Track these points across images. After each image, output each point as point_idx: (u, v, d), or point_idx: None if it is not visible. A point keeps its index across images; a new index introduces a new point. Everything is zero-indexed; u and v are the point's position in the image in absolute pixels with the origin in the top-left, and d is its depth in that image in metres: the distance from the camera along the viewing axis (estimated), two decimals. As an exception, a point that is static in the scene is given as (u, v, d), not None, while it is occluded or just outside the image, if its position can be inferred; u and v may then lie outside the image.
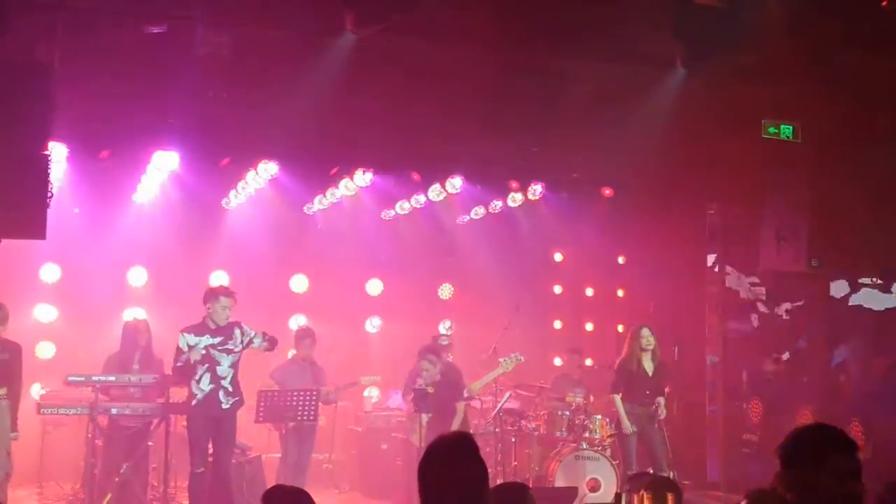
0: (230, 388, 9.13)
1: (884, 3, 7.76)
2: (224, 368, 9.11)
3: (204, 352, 9.05)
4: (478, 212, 13.05)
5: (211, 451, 9.18)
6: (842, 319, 11.72)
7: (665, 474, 10.06)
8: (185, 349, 9.06)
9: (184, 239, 12.21)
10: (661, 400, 10.42)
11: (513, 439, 10.88)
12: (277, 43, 8.23)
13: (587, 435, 10.63)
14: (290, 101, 8.98)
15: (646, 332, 10.40)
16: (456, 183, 11.73)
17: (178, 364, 9.08)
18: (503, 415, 10.74)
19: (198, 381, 9.04)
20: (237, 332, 9.24)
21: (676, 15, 7.62)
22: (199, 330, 9.15)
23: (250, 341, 9.27)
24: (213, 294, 9.29)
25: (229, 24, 8.01)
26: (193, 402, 9.04)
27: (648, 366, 10.42)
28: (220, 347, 9.11)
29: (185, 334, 9.14)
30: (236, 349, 9.18)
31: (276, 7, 7.58)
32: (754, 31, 7.68)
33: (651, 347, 10.38)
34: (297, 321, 13.03)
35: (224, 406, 9.09)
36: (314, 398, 10.04)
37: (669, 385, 11.02)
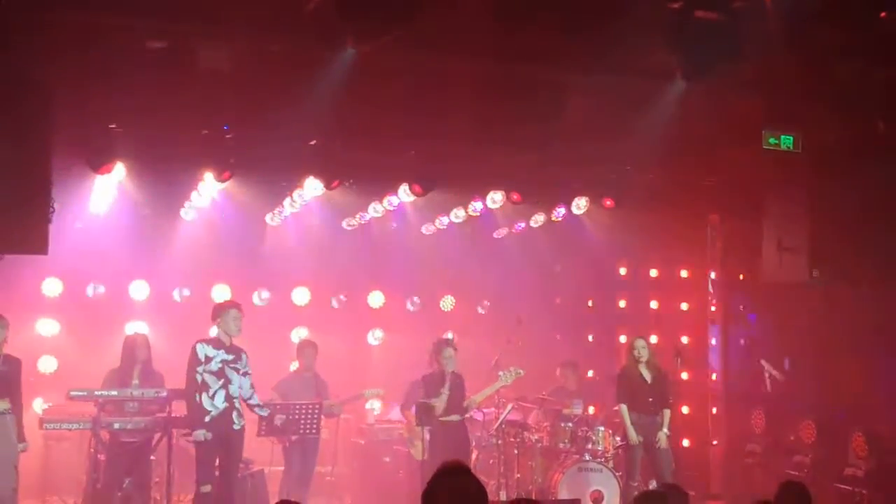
0: (241, 410, 9.14)
1: (882, 14, 7.77)
2: (235, 388, 9.11)
3: (220, 365, 9.06)
4: (479, 224, 13.06)
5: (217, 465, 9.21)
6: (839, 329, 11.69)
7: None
8: (203, 359, 9.05)
9: (186, 253, 12.21)
10: (667, 413, 10.45)
11: (516, 451, 10.90)
12: (278, 58, 8.24)
13: (590, 446, 10.64)
14: (290, 115, 8.99)
15: (639, 343, 10.56)
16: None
17: (196, 374, 9.01)
18: (506, 427, 10.76)
19: (212, 397, 9.01)
20: (244, 355, 9.32)
21: (676, 27, 7.63)
22: (216, 343, 9.17)
23: (248, 373, 9.31)
24: (222, 308, 9.32)
25: (229, 40, 8.03)
26: (207, 419, 8.98)
27: (647, 375, 10.50)
28: (232, 365, 9.12)
29: (204, 344, 9.15)
30: (243, 370, 9.21)
31: (276, 23, 7.60)
32: (754, 43, 7.69)
33: (644, 359, 10.50)
34: (298, 334, 13.03)
35: (235, 427, 9.09)
36: (317, 411, 10.04)
37: (672, 396, 11.04)
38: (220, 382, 9.05)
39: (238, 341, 9.40)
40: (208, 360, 9.06)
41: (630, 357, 10.57)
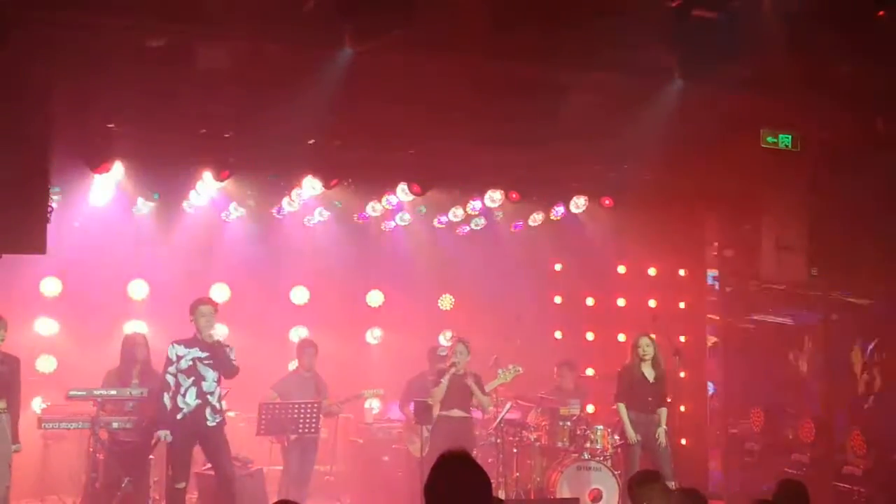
0: (217, 406, 9.15)
1: (880, 14, 7.78)
2: (210, 384, 9.11)
3: (191, 363, 9.08)
4: (477, 223, 13.06)
5: (209, 466, 9.22)
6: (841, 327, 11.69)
7: (669, 484, 10.09)
8: (174, 359, 9.09)
9: (184, 252, 12.19)
10: (663, 412, 10.46)
11: (514, 450, 10.90)
12: (276, 57, 8.24)
13: (589, 445, 10.64)
14: (288, 114, 9.00)
15: (643, 341, 10.50)
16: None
17: (168, 376, 9.07)
18: (504, 425, 10.76)
19: (183, 395, 9.04)
20: (226, 352, 9.29)
21: (674, 27, 7.64)
22: (189, 343, 9.19)
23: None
24: (193, 305, 9.35)
25: (228, 39, 8.02)
26: (179, 416, 9.02)
27: (649, 373, 10.50)
28: (205, 362, 9.13)
29: (175, 345, 9.21)
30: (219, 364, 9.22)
31: (273, 22, 7.60)
32: (752, 42, 7.70)
33: (648, 357, 10.46)
34: (297, 333, 13.03)
35: (210, 423, 9.09)
36: (316, 411, 10.04)
37: (671, 394, 11.06)
38: (192, 380, 9.07)
39: (235, 340, 9.41)
40: (179, 359, 9.10)
41: (633, 355, 10.54)
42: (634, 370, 10.49)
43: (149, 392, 9.46)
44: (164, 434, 9.02)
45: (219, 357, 9.18)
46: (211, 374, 9.15)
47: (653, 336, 10.68)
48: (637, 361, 10.49)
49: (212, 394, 9.13)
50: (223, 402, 9.39)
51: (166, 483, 9.18)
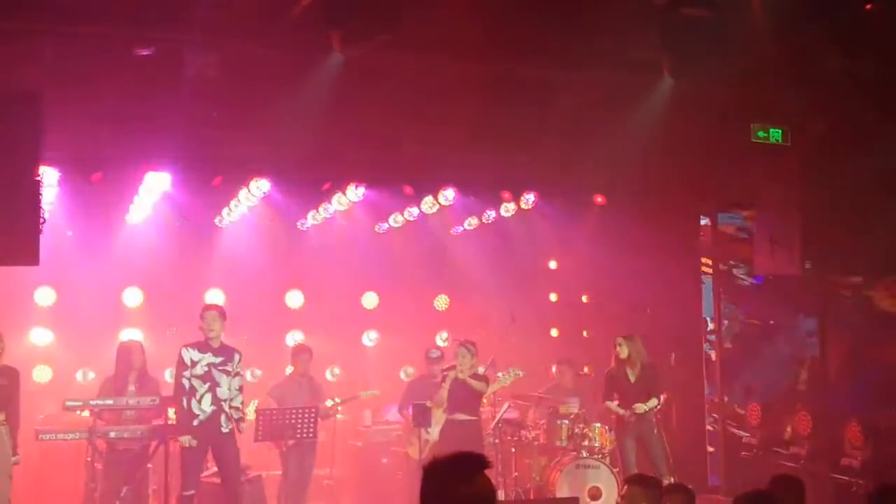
0: (231, 413, 9.13)
1: (868, 7, 7.79)
2: (224, 391, 9.11)
3: (206, 369, 9.08)
4: (471, 222, 13.05)
5: (215, 471, 9.21)
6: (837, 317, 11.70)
7: (666, 480, 10.10)
8: (189, 364, 9.08)
9: (177, 258, 12.19)
10: (653, 401, 10.51)
11: (513, 450, 10.90)
12: (265, 62, 8.24)
13: (587, 443, 10.65)
14: (280, 119, 9.00)
15: (618, 340, 10.63)
16: (448, 195, 11.74)
17: (184, 379, 9.05)
18: (502, 425, 10.76)
19: (199, 401, 9.03)
20: (236, 356, 9.30)
21: (663, 24, 7.65)
22: (201, 347, 9.18)
23: (239, 374, 9.31)
24: (202, 310, 9.37)
25: (217, 45, 8.01)
26: (195, 423, 9.01)
27: (630, 373, 10.56)
28: (220, 367, 9.13)
29: (189, 349, 9.18)
30: (234, 371, 9.20)
31: (262, 27, 7.59)
32: (741, 38, 7.71)
33: (624, 356, 10.51)
34: (293, 337, 13.04)
35: (224, 430, 9.09)
36: (313, 415, 10.04)
37: (666, 390, 11.08)
38: (207, 386, 9.07)
39: (233, 345, 9.44)
40: (194, 363, 9.10)
41: (615, 355, 10.64)
42: (616, 371, 10.58)
43: (150, 400, 9.42)
44: (187, 440, 8.95)
45: (232, 361, 9.21)
46: (226, 381, 9.15)
47: (634, 336, 10.73)
48: (617, 362, 10.59)
49: (226, 401, 9.13)
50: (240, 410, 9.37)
51: (165, 494, 9.15)
